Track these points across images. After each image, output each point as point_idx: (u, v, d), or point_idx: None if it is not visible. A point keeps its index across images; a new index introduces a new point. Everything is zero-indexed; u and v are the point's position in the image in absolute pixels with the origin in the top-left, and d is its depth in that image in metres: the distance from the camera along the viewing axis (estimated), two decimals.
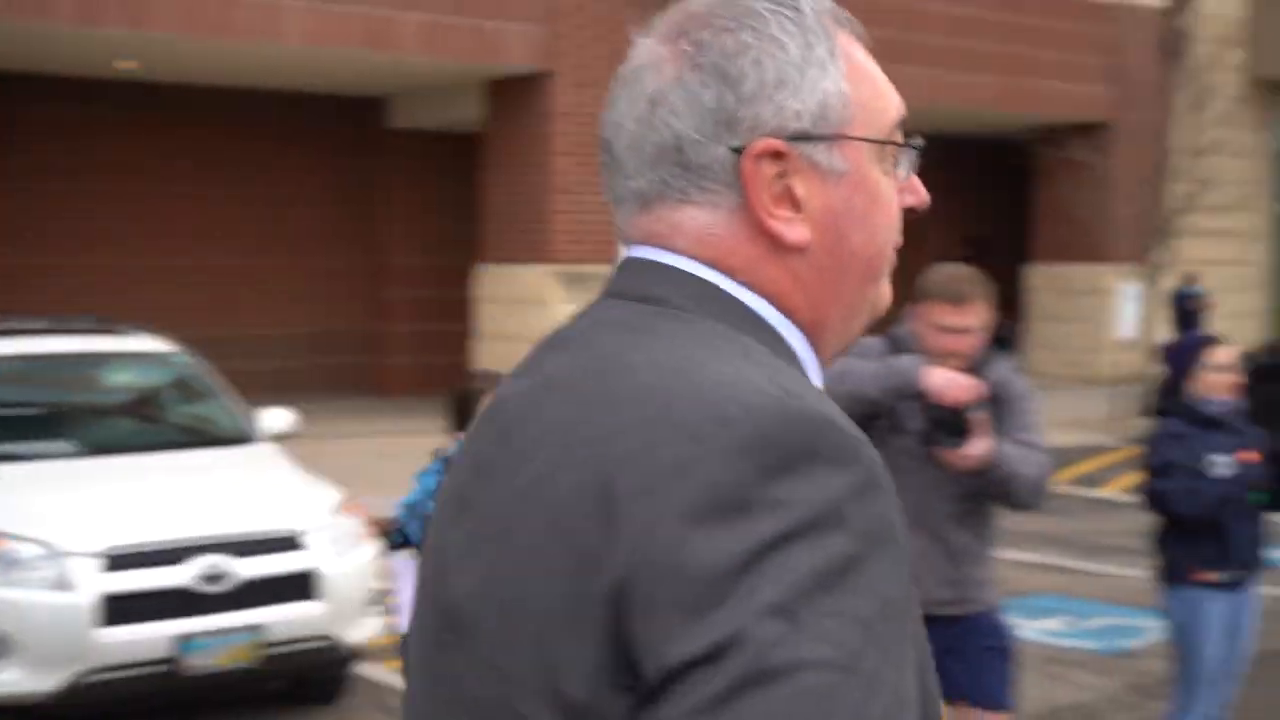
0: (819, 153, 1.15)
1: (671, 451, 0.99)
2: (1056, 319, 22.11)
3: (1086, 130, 20.54)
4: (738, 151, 1.14)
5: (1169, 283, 18.53)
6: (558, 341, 1.19)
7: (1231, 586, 4.84)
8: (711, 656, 0.93)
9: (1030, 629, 7.69)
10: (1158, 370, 5.20)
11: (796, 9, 1.17)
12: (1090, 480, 13.26)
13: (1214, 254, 22.19)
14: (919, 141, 1.23)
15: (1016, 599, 8.28)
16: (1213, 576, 4.82)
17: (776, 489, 0.97)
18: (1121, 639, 7.55)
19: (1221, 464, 4.78)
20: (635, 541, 0.98)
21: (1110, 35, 20.15)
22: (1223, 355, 4.89)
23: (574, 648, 1.00)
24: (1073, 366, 21.28)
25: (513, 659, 1.04)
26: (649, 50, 1.19)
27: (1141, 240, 17.60)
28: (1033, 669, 6.97)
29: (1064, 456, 14.36)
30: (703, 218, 1.16)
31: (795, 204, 1.15)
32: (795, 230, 1.15)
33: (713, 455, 0.98)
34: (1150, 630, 7.25)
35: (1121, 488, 12.25)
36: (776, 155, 1.14)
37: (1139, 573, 7.74)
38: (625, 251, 1.23)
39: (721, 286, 1.16)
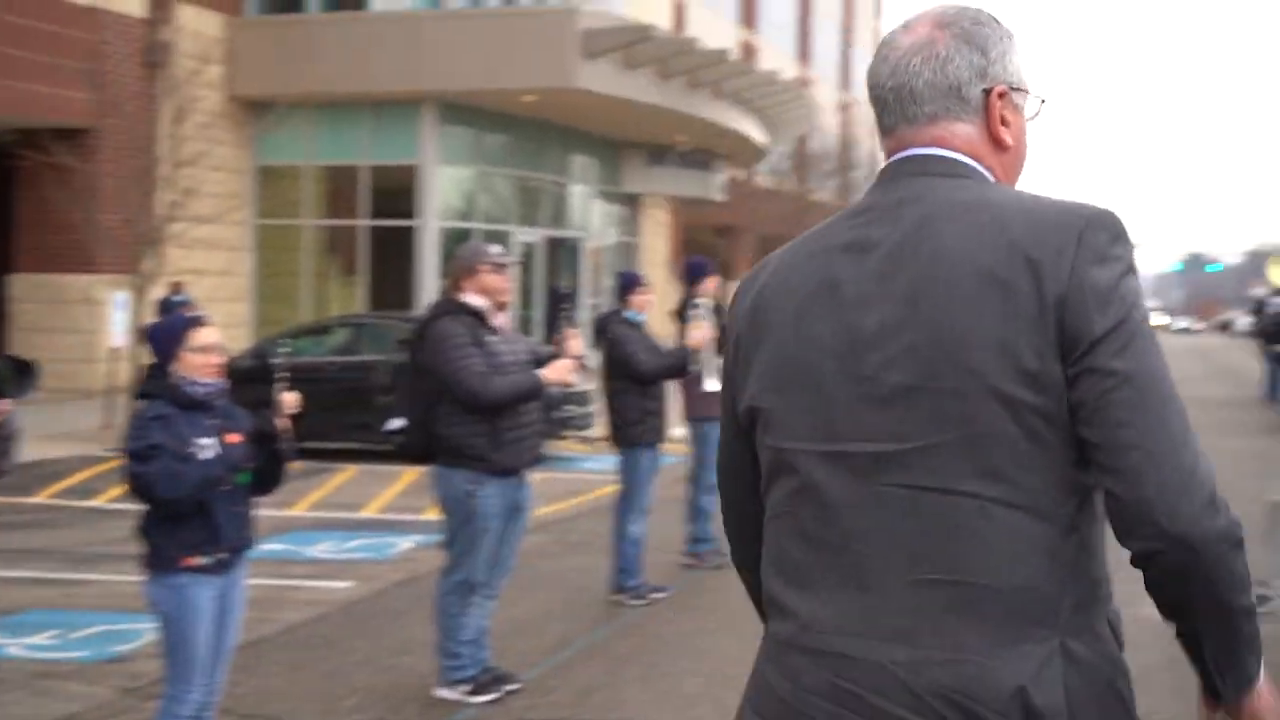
0: (1018, 97, 2.08)
1: (1062, 233, 1.88)
2: (46, 330, 21.26)
3: (69, 135, 19.94)
4: (986, 92, 2.05)
5: (158, 291, 18.54)
6: (891, 204, 2.01)
7: (219, 570, 4.81)
8: (1117, 327, 1.84)
9: (17, 646, 7.21)
10: (144, 355, 5.05)
11: (998, 21, 2.09)
12: (82, 491, 12.83)
13: (202, 264, 22.58)
14: (1044, 96, 2.15)
15: (4, 617, 7.75)
16: (200, 561, 4.75)
17: (1116, 248, 1.89)
18: (113, 644, 7.29)
19: (207, 446, 4.72)
20: (1063, 278, 1.85)
21: (93, 41, 19.74)
22: (206, 336, 4.84)
23: (1031, 338, 1.84)
24: (65, 379, 20.56)
25: (976, 355, 1.85)
26: (927, 32, 2.06)
27: (131, 249, 17.41)
28: (20, 686, 6.52)
29: (55, 470, 13.81)
30: (967, 130, 2.05)
31: (1006, 125, 2.07)
32: (1007, 138, 2.07)
33: (1088, 232, 1.88)
34: (143, 632, 7.09)
35: (113, 497, 11.96)
36: (1001, 95, 2.05)
37: (131, 577, 7.55)
38: (909, 152, 2.05)
39: (978, 167, 2.04)
